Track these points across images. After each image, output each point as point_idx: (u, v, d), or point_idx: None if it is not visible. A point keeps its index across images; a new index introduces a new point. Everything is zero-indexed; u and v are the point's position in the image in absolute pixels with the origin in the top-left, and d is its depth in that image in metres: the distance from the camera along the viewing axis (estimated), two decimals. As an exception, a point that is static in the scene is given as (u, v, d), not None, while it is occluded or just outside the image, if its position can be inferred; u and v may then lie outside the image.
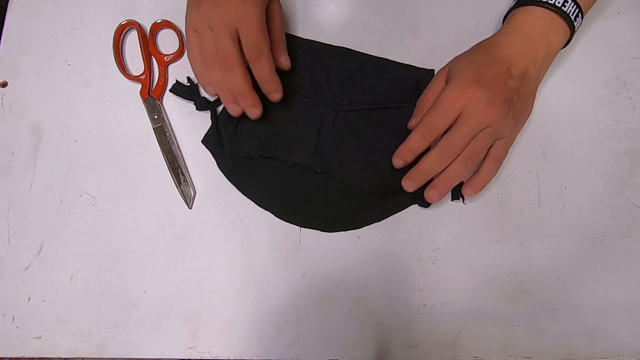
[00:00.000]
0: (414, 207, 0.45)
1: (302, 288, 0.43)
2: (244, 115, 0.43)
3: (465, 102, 0.39)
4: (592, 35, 0.49)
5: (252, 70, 0.41)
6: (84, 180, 0.45)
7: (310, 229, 0.44)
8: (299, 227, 0.44)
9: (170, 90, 0.47)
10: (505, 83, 0.39)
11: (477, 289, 0.43)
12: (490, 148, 0.41)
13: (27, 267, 0.43)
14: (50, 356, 0.41)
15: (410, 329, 0.42)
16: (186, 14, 0.42)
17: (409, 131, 0.45)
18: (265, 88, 0.42)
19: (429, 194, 0.41)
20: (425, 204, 0.44)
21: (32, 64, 0.49)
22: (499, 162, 0.42)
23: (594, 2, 0.44)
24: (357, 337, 0.42)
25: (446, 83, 0.42)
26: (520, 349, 0.41)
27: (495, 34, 0.43)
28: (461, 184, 0.44)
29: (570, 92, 0.48)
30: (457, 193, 0.44)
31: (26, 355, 0.41)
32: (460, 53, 0.44)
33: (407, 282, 0.43)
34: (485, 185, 0.42)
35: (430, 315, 0.42)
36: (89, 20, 0.50)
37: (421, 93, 0.46)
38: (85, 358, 0.41)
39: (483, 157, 0.41)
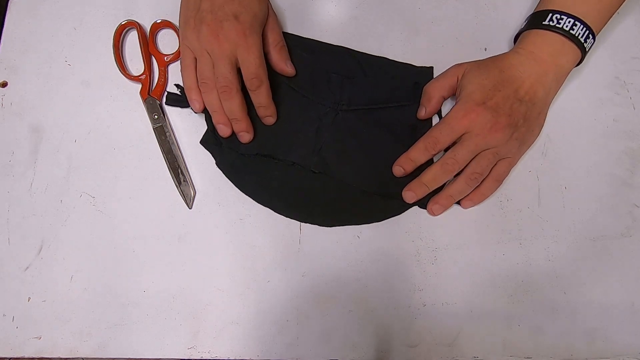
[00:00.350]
0: (414, 207, 0.45)
1: (302, 288, 0.43)
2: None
3: (470, 123, 0.40)
4: (592, 35, 0.49)
5: (252, 97, 0.43)
6: (84, 180, 0.45)
7: (311, 226, 0.44)
8: (299, 227, 0.44)
9: (165, 103, 0.47)
10: (511, 106, 0.41)
11: (477, 289, 0.43)
12: (493, 166, 0.43)
13: (27, 267, 0.43)
14: (50, 356, 0.41)
15: (410, 329, 0.42)
16: (182, 31, 0.43)
17: (409, 131, 0.46)
18: (261, 113, 0.44)
19: (433, 208, 0.43)
20: (426, 206, 0.44)
21: (32, 64, 0.49)
22: (499, 181, 0.43)
23: (607, 20, 0.44)
24: (357, 337, 0.42)
25: (457, 80, 0.44)
26: (520, 349, 0.41)
27: (508, 52, 0.44)
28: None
29: (570, 92, 0.48)
30: None
31: (26, 355, 0.41)
32: (473, 60, 0.45)
33: (407, 282, 0.43)
34: (484, 200, 0.44)
35: (430, 315, 0.42)
36: (89, 20, 0.50)
37: (421, 92, 0.46)
38: (85, 358, 0.41)
39: (485, 176, 0.42)
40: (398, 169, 0.43)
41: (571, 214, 0.45)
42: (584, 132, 0.47)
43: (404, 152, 0.44)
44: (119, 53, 0.48)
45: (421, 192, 0.43)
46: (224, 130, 0.44)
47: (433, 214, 0.44)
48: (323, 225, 0.44)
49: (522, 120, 0.41)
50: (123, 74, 0.47)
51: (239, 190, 0.45)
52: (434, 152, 0.42)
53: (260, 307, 0.42)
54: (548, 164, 0.46)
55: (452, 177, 0.43)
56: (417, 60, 0.48)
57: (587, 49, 0.43)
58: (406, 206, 0.44)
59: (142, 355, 0.41)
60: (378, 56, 0.49)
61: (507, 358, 0.41)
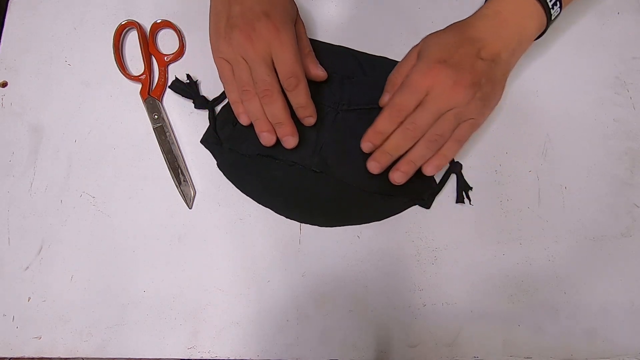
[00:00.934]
0: (414, 207, 0.45)
1: (302, 288, 0.43)
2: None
3: (432, 82, 0.39)
4: (592, 35, 0.49)
5: (289, 98, 0.41)
6: (84, 180, 0.45)
7: (311, 226, 0.44)
8: (299, 227, 0.44)
9: (169, 87, 0.47)
10: (473, 64, 0.39)
11: (477, 289, 0.43)
12: (455, 129, 0.41)
13: (27, 267, 0.43)
14: (50, 356, 0.41)
15: (410, 329, 0.42)
16: (213, 44, 0.42)
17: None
18: (300, 113, 0.43)
19: (394, 176, 0.41)
20: (427, 205, 0.44)
21: (32, 64, 0.49)
22: (460, 142, 0.41)
23: None
24: (357, 337, 0.42)
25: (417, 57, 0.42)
26: (520, 349, 0.41)
27: (472, 15, 0.43)
28: (465, 186, 0.44)
29: (570, 92, 0.48)
30: (461, 196, 0.44)
31: (26, 355, 0.41)
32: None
33: (407, 282, 0.43)
34: (446, 163, 0.42)
35: (430, 315, 0.42)
36: (89, 20, 0.50)
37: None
38: (85, 358, 0.41)
39: (447, 138, 0.41)
40: (367, 145, 0.41)
41: (571, 214, 0.45)
42: (584, 132, 0.47)
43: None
44: (119, 53, 0.48)
45: (385, 161, 0.41)
46: (268, 138, 0.42)
47: (395, 181, 0.41)
48: (323, 226, 0.44)
49: (485, 79, 0.40)
50: (123, 74, 0.47)
51: (239, 190, 0.45)
52: (400, 120, 0.40)
53: (260, 307, 0.42)
54: (548, 164, 0.46)
55: (414, 142, 0.41)
56: (417, 60, 0.48)
57: (552, 17, 0.42)
58: (406, 206, 0.44)
59: (142, 355, 0.41)
60: (378, 56, 0.49)
61: (507, 358, 0.41)
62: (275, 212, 0.44)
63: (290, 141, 0.42)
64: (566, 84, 0.48)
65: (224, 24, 0.41)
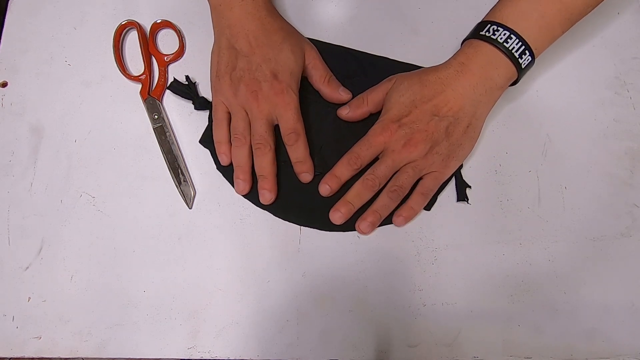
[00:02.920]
0: (414, 207, 0.45)
1: (302, 288, 0.43)
2: None
3: (386, 140, 0.42)
4: (592, 35, 0.49)
5: (289, 152, 0.43)
6: (84, 180, 0.45)
7: (310, 229, 0.44)
8: (299, 227, 0.44)
9: (168, 88, 0.47)
10: (428, 122, 0.41)
11: (477, 289, 0.43)
12: (421, 181, 0.43)
13: (27, 267, 0.43)
14: (50, 356, 0.41)
15: (410, 329, 0.42)
16: (215, 85, 0.44)
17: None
18: (298, 168, 0.44)
19: (360, 226, 0.43)
20: (427, 207, 0.44)
21: (32, 64, 0.49)
22: (425, 195, 0.43)
23: (550, 41, 0.42)
24: (357, 337, 0.42)
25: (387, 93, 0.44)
26: (520, 349, 0.41)
27: (439, 65, 0.43)
28: (464, 185, 0.44)
29: (570, 92, 0.48)
30: (462, 194, 0.44)
31: (26, 355, 0.41)
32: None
33: (407, 282, 0.43)
34: (415, 215, 0.44)
35: (430, 315, 0.42)
36: (89, 20, 0.50)
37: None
38: (85, 358, 0.41)
39: (408, 190, 0.43)
40: (324, 187, 0.43)
41: (571, 214, 0.45)
42: (584, 132, 0.47)
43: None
44: (119, 53, 0.48)
45: (347, 211, 0.42)
46: (242, 186, 0.43)
47: (362, 232, 0.43)
48: (323, 230, 0.44)
49: (443, 136, 0.41)
50: (123, 74, 0.47)
51: (239, 190, 0.45)
52: (356, 167, 0.42)
53: (260, 307, 0.42)
54: (548, 164, 0.46)
55: (374, 193, 0.42)
56: (417, 60, 0.48)
57: (522, 66, 0.41)
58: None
59: (142, 355, 0.41)
60: (378, 56, 0.48)
61: (507, 358, 0.41)
62: (274, 214, 0.44)
63: (266, 195, 0.43)
64: (566, 84, 0.48)
65: (229, 72, 0.42)
